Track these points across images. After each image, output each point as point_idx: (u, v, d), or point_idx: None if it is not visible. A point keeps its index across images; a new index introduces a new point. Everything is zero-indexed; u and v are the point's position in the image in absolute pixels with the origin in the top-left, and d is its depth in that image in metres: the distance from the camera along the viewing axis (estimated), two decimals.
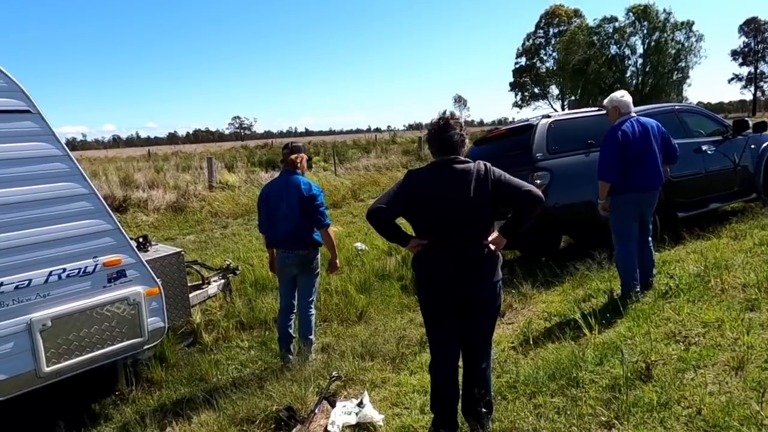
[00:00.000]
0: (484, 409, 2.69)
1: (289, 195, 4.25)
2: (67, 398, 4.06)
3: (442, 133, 2.63)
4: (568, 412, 2.80)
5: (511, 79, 53.37)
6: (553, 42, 45.88)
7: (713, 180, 6.67)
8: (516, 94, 53.49)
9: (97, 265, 3.69)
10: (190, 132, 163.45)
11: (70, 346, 3.58)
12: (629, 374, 3.03)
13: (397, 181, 2.69)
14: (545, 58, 49.55)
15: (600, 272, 5.24)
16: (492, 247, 2.58)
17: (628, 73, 29.21)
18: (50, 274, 3.48)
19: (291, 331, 4.48)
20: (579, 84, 28.53)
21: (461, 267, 2.55)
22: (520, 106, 53.15)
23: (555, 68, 41.73)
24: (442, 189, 2.55)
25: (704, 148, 6.64)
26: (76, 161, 3.56)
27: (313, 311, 4.48)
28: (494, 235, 2.62)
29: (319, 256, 4.45)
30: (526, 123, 6.55)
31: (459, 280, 2.55)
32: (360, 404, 3.36)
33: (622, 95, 4.78)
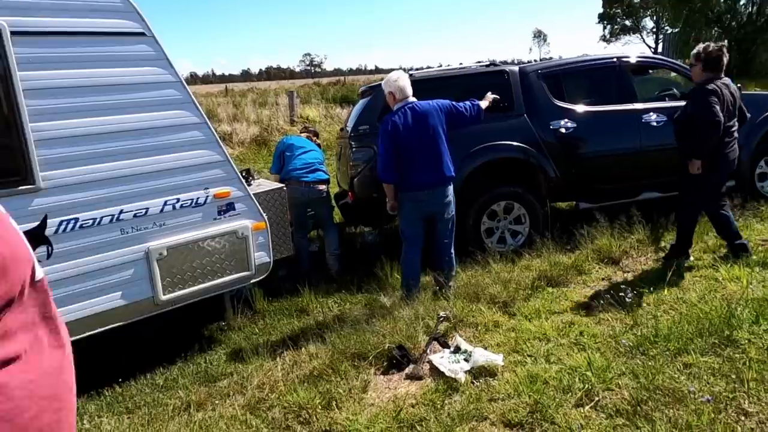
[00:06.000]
0: None
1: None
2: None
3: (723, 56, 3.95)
4: (727, 375, 2.49)
5: (600, 10, 49.38)
6: None
7: (655, 160, 5.13)
8: (604, 27, 49.44)
9: (208, 196, 3.65)
10: (263, 69, 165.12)
11: (183, 276, 3.62)
12: None
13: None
14: None
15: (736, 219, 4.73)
16: None
17: (742, 1, 25.72)
18: (165, 203, 3.47)
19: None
20: (681, 15, 25.62)
21: None
22: (608, 41, 49.18)
23: None
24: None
25: (647, 118, 5.17)
26: (188, 88, 3.45)
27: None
28: None
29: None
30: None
31: None
32: (455, 351, 3.20)
33: (397, 78, 4.04)
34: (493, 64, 5.48)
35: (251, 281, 4.05)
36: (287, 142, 5.37)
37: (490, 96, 4.35)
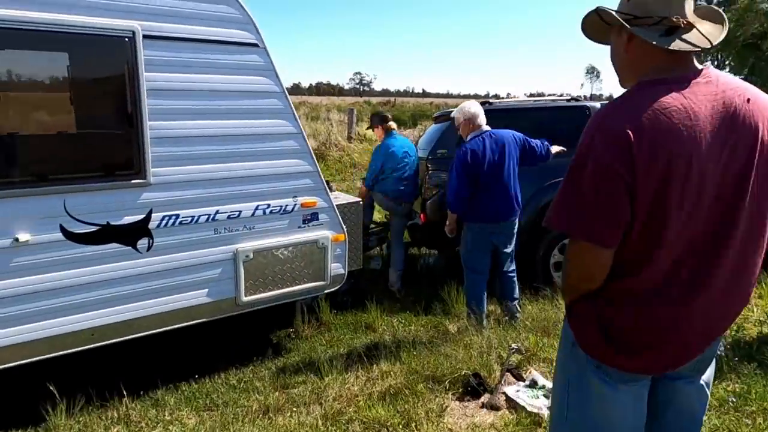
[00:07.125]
0: None
1: None
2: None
3: None
4: None
5: None
6: None
7: None
8: None
9: (296, 204, 3.74)
10: (312, 84, 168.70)
11: (265, 280, 3.69)
12: None
13: None
14: None
15: None
16: None
17: None
18: (257, 208, 3.57)
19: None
20: (748, 62, 24.98)
21: None
22: None
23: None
24: None
25: None
26: (290, 99, 3.57)
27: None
28: None
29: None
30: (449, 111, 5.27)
31: None
32: (532, 385, 3.16)
33: (471, 106, 4.15)
34: (574, 99, 5.47)
35: (325, 291, 4.11)
36: (393, 151, 5.18)
37: (558, 148, 4.29)
